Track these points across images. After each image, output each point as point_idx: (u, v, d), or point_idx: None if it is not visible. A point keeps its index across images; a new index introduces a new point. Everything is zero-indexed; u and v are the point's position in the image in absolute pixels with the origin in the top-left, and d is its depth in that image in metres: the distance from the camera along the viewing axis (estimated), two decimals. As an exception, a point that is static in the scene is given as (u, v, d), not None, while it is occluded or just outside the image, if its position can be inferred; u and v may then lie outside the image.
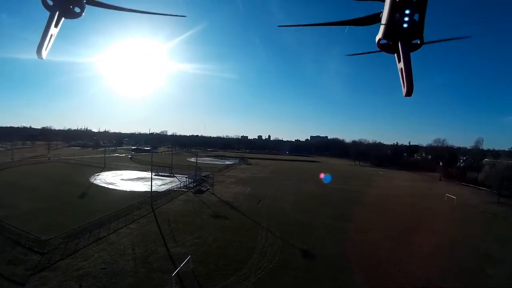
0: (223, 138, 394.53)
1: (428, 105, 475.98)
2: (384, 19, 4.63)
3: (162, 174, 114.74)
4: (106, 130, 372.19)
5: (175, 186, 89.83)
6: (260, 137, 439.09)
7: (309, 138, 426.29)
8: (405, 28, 4.59)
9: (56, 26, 5.02)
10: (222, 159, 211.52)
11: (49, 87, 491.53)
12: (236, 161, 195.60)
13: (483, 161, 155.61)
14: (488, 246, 52.19)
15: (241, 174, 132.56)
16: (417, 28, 4.61)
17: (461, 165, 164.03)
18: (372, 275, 38.63)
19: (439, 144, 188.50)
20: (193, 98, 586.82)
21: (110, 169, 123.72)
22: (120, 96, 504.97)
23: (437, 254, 46.77)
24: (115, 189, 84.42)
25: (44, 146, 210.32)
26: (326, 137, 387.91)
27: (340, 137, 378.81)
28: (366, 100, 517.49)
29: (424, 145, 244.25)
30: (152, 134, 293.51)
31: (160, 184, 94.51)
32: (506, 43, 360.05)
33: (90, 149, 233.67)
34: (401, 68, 4.63)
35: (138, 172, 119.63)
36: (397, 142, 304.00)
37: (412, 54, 4.71)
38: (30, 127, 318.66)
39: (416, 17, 4.57)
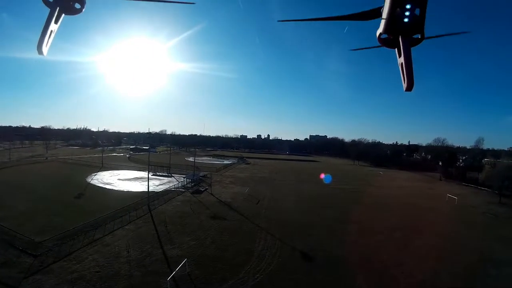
0: (222, 137, 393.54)
1: (427, 104, 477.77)
2: (385, 14, 4.65)
3: (160, 174, 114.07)
4: (105, 129, 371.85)
5: (173, 186, 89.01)
6: (259, 136, 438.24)
7: (308, 138, 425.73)
8: (406, 22, 4.63)
9: (56, 22, 5.06)
10: (221, 158, 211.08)
11: (49, 87, 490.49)
12: (235, 160, 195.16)
13: (483, 160, 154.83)
14: (492, 247, 51.29)
15: (240, 174, 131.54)
16: (418, 23, 4.65)
17: (461, 165, 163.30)
18: (375, 279, 37.71)
19: (439, 144, 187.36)
20: (192, 97, 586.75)
21: (108, 169, 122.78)
22: (119, 96, 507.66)
23: (441, 256, 45.75)
24: (112, 189, 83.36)
25: (42, 146, 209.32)
26: (326, 136, 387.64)
27: (340, 136, 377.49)
28: (365, 99, 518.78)
29: (424, 144, 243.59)
30: (149, 133, 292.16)
31: (158, 184, 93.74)
32: (506, 42, 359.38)
33: (89, 148, 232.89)
34: (402, 63, 4.68)
35: (136, 172, 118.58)
36: (396, 142, 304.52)
37: (412, 50, 4.76)
38: (30, 127, 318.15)
39: (417, 12, 4.58)
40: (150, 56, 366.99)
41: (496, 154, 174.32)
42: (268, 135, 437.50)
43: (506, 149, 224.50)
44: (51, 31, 5.06)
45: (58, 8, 5.06)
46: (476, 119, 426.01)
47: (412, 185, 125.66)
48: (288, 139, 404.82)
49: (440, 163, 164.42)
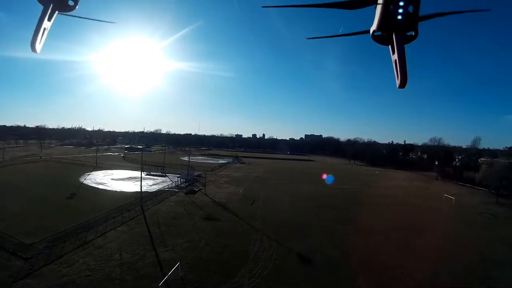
0: (217, 136, 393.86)
1: (423, 104, 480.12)
2: (378, 11, 4.66)
3: (154, 173, 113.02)
4: (101, 128, 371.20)
5: (167, 186, 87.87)
6: (254, 135, 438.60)
7: (303, 137, 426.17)
8: (400, 20, 4.62)
9: (49, 19, 5.07)
10: (215, 158, 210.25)
11: (44, 86, 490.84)
12: (230, 160, 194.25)
13: (479, 160, 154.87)
14: (491, 248, 51.00)
15: (235, 174, 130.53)
16: (411, 20, 4.65)
17: (457, 164, 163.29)
18: (375, 280, 37.02)
19: (434, 143, 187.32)
20: (187, 96, 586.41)
21: (102, 168, 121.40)
22: (115, 95, 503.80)
23: (441, 256, 45.14)
24: (105, 190, 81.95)
25: (36, 145, 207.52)
26: (321, 136, 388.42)
27: (335, 135, 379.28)
28: (361, 98, 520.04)
29: (419, 144, 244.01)
30: (143, 132, 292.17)
31: (152, 184, 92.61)
32: (503, 41, 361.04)
33: (83, 148, 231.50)
34: (395, 60, 4.67)
35: (130, 171, 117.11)
36: (392, 141, 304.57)
37: (408, 49, 4.76)
38: (24, 126, 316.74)
39: (410, 9, 4.59)
40: (145, 55, 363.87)
41: (492, 153, 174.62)
42: (263, 135, 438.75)
43: (502, 149, 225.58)
44: (44, 29, 5.04)
45: (51, 5, 5.06)
46: (471, 119, 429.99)
47: (409, 185, 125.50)
48: (284, 139, 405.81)
49: (436, 163, 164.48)
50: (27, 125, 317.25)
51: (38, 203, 63.14)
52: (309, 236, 51.56)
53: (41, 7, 5.07)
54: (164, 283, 32.32)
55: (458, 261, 44.00)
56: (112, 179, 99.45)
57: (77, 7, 5.32)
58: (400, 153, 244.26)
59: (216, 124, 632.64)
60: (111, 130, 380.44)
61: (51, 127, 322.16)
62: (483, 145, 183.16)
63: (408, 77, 4.67)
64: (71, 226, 48.47)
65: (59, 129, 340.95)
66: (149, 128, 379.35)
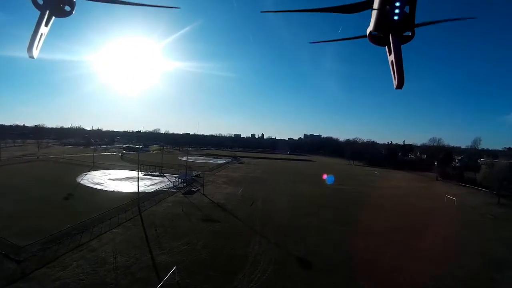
0: (216, 136, 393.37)
1: (422, 104, 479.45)
2: (374, 12, 4.65)
3: (152, 173, 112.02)
4: (99, 128, 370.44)
5: (164, 187, 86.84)
6: (253, 135, 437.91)
7: (302, 137, 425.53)
8: (396, 20, 4.61)
9: (46, 25, 5.10)
10: (214, 158, 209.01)
11: (43, 85, 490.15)
12: (229, 160, 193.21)
13: (479, 161, 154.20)
14: (495, 250, 50.08)
15: (234, 174, 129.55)
16: (408, 20, 4.63)
17: (457, 164, 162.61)
18: (377, 285, 36.09)
19: (434, 144, 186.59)
20: (186, 96, 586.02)
21: (99, 168, 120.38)
22: (113, 95, 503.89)
23: (443, 260, 44.21)
24: (102, 190, 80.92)
25: (34, 145, 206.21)
26: (320, 136, 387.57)
27: (334, 136, 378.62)
28: (360, 98, 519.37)
29: (418, 144, 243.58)
30: (139, 131, 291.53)
31: (149, 184, 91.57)
32: (502, 42, 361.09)
33: (81, 147, 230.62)
34: (392, 61, 4.66)
35: (128, 171, 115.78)
36: (391, 141, 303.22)
37: (409, 49, 5.01)
38: (23, 125, 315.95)
39: (407, 9, 4.57)
40: (144, 54, 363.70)
41: (492, 154, 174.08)
42: (262, 134, 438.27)
43: (501, 149, 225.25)
44: (42, 34, 5.06)
45: (48, 11, 5.06)
46: (470, 119, 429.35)
47: (409, 185, 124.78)
48: (283, 139, 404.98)
49: (436, 163, 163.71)
50: (26, 125, 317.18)
51: (33, 203, 62.18)
52: (308, 238, 50.53)
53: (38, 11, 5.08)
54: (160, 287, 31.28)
55: (460, 264, 43.22)
56: (110, 179, 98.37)
57: (73, 12, 5.29)
58: (399, 154, 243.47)
59: (215, 124, 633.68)
60: (110, 130, 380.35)
61: (50, 127, 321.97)
62: (482, 145, 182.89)
63: (405, 77, 4.61)
64: (66, 228, 47.46)
65: (58, 128, 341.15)
66: (148, 128, 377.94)
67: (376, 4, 4.61)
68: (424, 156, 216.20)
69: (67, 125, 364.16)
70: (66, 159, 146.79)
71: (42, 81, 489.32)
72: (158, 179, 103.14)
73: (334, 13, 5.17)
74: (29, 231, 45.77)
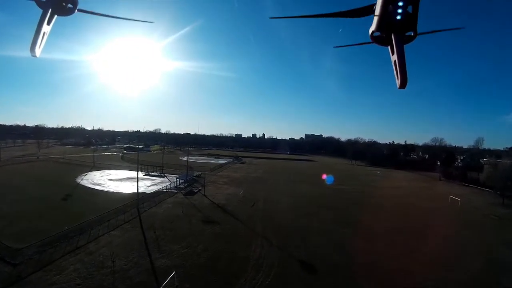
0: (217, 136, 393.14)
1: (423, 104, 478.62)
2: (377, 11, 4.60)
3: (153, 174, 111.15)
4: (100, 128, 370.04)
5: (165, 187, 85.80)
6: (254, 135, 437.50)
7: (303, 137, 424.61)
8: (399, 20, 4.55)
9: (48, 23, 5.10)
10: (215, 158, 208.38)
11: (43, 85, 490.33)
12: (230, 160, 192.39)
13: (482, 160, 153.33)
14: (500, 252, 49.05)
15: (235, 174, 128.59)
16: (410, 20, 4.57)
17: (459, 164, 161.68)
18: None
19: (436, 143, 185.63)
20: (187, 96, 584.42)
21: (99, 169, 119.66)
22: (114, 94, 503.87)
23: (449, 263, 43.15)
24: (101, 191, 79.95)
25: (35, 145, 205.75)
26: (321, 135, 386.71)
27: (335, 135, 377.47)
28: (361, 98, 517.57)
29: (420, 144, 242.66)
30: (138, 131, 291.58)
31: (149, 185, 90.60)
32: (504, 42, 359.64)
33: (82, 147, 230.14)
34: (395, 61, 4.64)
35: (128, 171, 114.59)
36: (393, 141, 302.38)
37: (409, 48, 4.76)
38: (24, 125, 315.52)
39: (410, 9, 4.52)
40: (144, 54, 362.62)
41: (494, 154, 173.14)
42: (263, 134, 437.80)
43: (502, 149, 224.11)
44: (44, 33, 5.04)
45: (50, 9, 5.04)
46: (471, 119, 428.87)
47: (412, 185, 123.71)
48: (284, 138, 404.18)
49: (438, 163, 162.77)
50: (27, 125, 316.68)
51: (31, 204, 61.31)
52: (311, 241, 49.38)
53: (39, 8, 5.06)
54: (158, 293, 30.26)
55: (466, 267, 42.14)
56: (110, 179, 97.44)
57: (76, 10, 5.30)
58: (401, 153, 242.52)
59: (216, 123, 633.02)
60: (111, 130, 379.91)
61: (50, 127, 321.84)
62: (483, 145, 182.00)
63: (408, 77, 4.57)
64: (64, 230, 46.45)
65: (59, 128, 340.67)
66: (149, 127, 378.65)
67: (378, 4, 4.54)
68: (426, 156, 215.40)
69: (68, 125, 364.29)
70: (66, 159, 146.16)
71: (42, 81, 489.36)
72: (158, 179, 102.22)
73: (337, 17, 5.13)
74: (26, 233, 44.88)
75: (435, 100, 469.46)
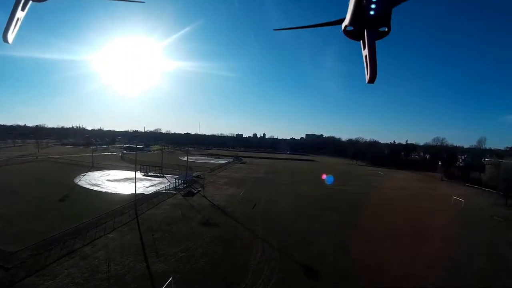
0: (218, 136, 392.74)
1: (424, 104, 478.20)
2: (350, 6, 4.54)
3: (152, 174, 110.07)
4: (100, 128, 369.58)
5: (164, 188, 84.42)
6: (255, 135, 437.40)
7: (304, 137, 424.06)
8: (372, 15, 4.43)
9: (23, 9, 4.94)
10: (216, 158, 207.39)
11: (43, 85, 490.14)
12: (230, 160, 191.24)
13: (483, 160, 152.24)
14: (507, 255, 47.86)
15: (235, 174, 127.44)
16: (384, 15, 4.46)
17: (461, 164, 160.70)
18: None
19: (437, 143, 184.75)
20: (187, 96, 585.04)
21: (98, 169, 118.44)
22: (114, 94, 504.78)
23: (455, 266, 41.92)
24: (99, 191, 78.67)
25: (34, 145, 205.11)
26: (322, 135, 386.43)
27: (336, 135, 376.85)
28: (361, 98, 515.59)
29: (421, 144, 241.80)
30: (136, 131, 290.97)
31: (148, 185, 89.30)
32: (505, 41, 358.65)
33: (82, 147, 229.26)
34: (366, 56, 4.58)
35: (127, 172, 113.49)
36: (394, 141, 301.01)
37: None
38: (24, 125, 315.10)
39: (384, 4, 4.40)
40: (144, 54, 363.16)
41: (495, 153, 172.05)
42: (264, 134, 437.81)
43: (503, 149, 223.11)
44: (18, 19, 4.89)
45: None
46: (471, 119, 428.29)
47: (414, 186, 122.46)
48: (284, 138, 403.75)
49: (440, 163, 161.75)
50: (27, 125, 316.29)
51: (27, 205, 60.01)
52: (313, 244, 47.97)
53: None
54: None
55: (471, 270, 41.05)
56: (108, 180, 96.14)
57: None
58: (402, 153, 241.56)
59: (217, 123, 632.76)
60: (111, 130, 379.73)
61: (50, 127, 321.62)
62: (486, 145, 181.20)
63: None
64: (59, 232, 45.27)
65: (59, 128, 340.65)
66: (149, 127, 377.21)
67: (352, 0, 4.37)
68: (428, 156, 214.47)
69: (68, 125, 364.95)
70: (65, 159, 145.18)
71: (42, 81, 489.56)
72: (157, 180, 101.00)
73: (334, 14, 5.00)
74: (20, 236, 43.54)
75: (436, 99, 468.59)
